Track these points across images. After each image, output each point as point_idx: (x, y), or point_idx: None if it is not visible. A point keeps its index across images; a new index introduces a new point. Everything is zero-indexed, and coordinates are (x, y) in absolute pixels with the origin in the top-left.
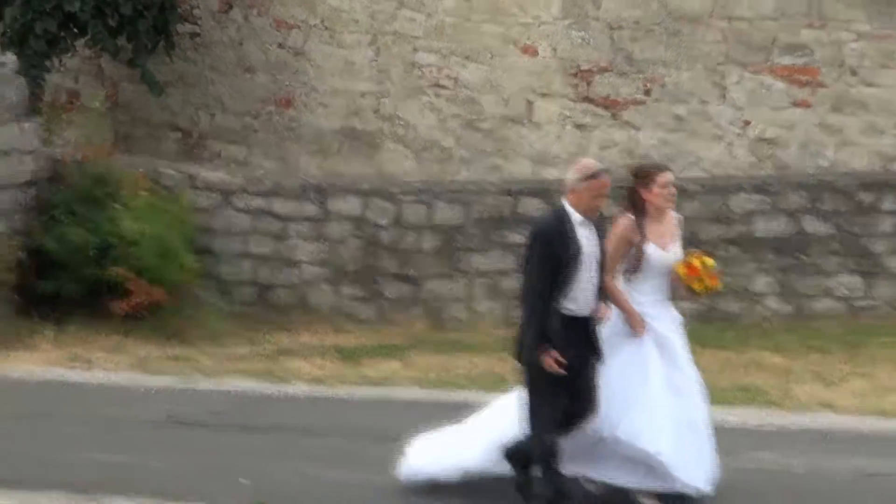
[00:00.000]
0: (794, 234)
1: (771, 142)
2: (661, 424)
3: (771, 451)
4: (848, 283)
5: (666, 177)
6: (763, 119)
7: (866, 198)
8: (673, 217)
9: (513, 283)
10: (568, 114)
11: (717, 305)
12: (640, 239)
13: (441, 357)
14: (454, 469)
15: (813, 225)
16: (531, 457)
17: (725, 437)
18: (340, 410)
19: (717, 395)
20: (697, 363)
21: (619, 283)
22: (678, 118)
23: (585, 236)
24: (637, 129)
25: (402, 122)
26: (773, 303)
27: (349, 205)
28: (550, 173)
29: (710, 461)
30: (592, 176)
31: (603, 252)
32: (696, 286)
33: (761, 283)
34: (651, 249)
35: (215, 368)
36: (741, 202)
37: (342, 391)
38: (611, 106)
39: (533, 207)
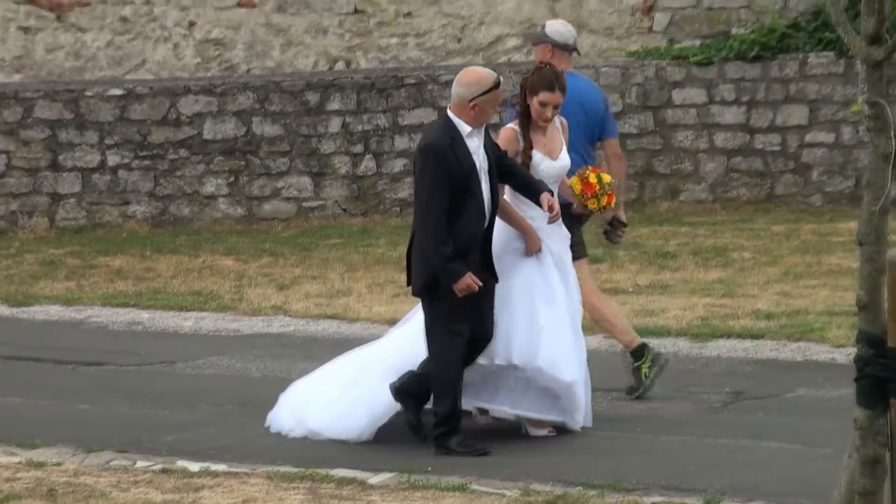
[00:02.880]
0: (243, 136)
1: (217, 42)
2: (570, 354)
3: (227, 356)
4: (297, 183)
5: (546, 97)
6: (209, 19)
7: (313, 98)
8: (557, 125)
9: None
10: (11, 16)
11: (168, 209)
12: (526, 147)
13: None
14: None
15: (261, 126)
16: (424, 393)
17: (181, 343)
18: None
19: (170, 301)
20: (153, 270)
21: (508, 198)
22: (124, 19)
23: (475, 149)
24: (84, 31)
25: None
26: (224, 205)
27: None
28: None
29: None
30: (496, 85)
31: (492, 161)
32: (592, 204)
33: (212, 185)
34: (538, 158)
35: None
36: (189, 104)
37: None
38: (56, 8)
39: None
